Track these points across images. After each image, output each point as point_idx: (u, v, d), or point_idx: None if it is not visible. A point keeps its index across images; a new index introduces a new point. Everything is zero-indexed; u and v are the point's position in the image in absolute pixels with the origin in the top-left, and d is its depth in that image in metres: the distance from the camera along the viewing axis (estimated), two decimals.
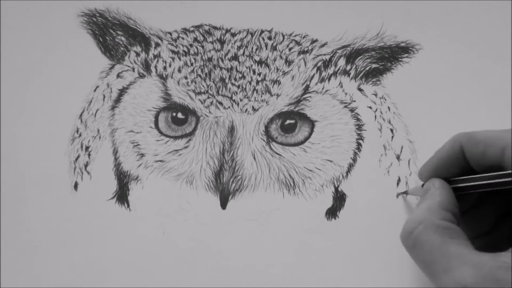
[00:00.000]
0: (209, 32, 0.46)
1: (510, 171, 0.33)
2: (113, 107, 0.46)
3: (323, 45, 0.46)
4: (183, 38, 0.46)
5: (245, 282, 0.43)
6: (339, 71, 0.45)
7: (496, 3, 0.46)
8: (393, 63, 0.46)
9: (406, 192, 0.43)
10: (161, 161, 0.45)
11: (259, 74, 0.45)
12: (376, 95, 0.45)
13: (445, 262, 0.31)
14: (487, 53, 0.46)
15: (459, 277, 0.30)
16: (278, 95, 0.44)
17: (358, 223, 0.44)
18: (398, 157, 0.45)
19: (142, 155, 0.45)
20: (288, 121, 0.45)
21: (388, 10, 0.46)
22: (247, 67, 0.45)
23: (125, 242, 0.44)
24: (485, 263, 0.29)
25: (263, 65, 0.45)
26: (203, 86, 0.45)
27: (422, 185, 0.39)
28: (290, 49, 0.45)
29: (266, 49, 0.45)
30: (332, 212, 0.44)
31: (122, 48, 0.46)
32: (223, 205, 0.44)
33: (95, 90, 0.46)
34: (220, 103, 0.44)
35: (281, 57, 0.45)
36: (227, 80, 0.45)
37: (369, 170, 0.44)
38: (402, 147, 0.45)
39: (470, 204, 0.38)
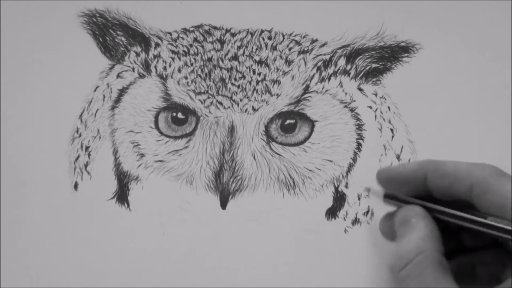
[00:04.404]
0: (209, 32, 0.46)
1: (492, 223, 0.31)
2: (113, 107, 0.46)
3: (323, 45, 0.46)
4: (183, 38, 0.46)
5: (246, 282, 0.43)
6: (339, 71, 0.45)
7: (496, 3, 0.46)
8: (393, 62, 0.46)
9: (368, 190, 0.41)
10: (161, 161, 0.45)
11: (259, 74, 0.45)
12: (376, 94, 0.45)
13: None
14: (487, 53, 0.46)
15: None
16: (278, 95, 0.44)
17: (358, 223, 0.44)
18: (398, 157, 0.45)
19: (142, 155, 0.45)
20: (288, 121, 0.44)
21: (388, 9, 0.46)
22: (247, 67, 0.45)
23: (125, 242, 0.44)
24: None
25: (263, 65, 0.45)
26: (203, 86, 0.45)
27: (386, 195, 0.38)
28: (290, 49, 0.45)
29: (266, 49, 0.45)
30: (332, 212, 0.44)
31: (122, 48, 0.46)
32: (223, 205, 0.44)
33: (95, 90, 0.46)
34: (220, 103, 0.44)
35: (281, 57, 0.45)
36: (227, 80, 0.45)
37: (369, 170, 0.44)
38: (402, 147, 0.45)
39: None
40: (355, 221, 0.44)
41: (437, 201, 0.35)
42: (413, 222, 0.34)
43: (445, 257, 0.33)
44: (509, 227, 0.30)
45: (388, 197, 0.38)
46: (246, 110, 0.44)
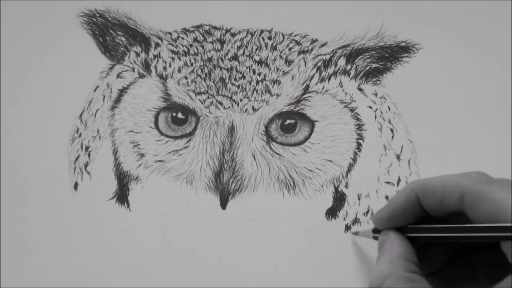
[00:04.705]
0: (209, 32, 0.46)
1: (466, 225, 0.31)
2: (113, 107, 0.46)
3: (323, 45, 0.46)
4: (183, 38, 0.46)
5: (246, 282, 0.43)
6: (339, 71, 0.45)
7: (496, 3, 0.46)
8: (393, 62, 0.46)
9: (357, 233, 0.42)
10: (161, 161, 0.45)
11: (259, 74, 0.45)
12: (376, 94, 0.45)
13: None
14: (487, 53, 0.46)
15: None
16: (278, 95, 0.44)
17: (358, 223, 0.44)
18: (398, 157, 0.44)
19: (142, 155, 0.45)
20: (288, 121, 0.44)
21: (388, 9, 0.46)
22: (247, 67, 0.45)
23: (125, 242, 0.44)
24: None
25: (263, 65, 0.45)
26: (203, 86, 0.45)
27: (374, 230, 0.38)
28: (290, 49, 0.45)
29: (266, 49, 0.45)
30: (332, 212, 0.44)
31: (122, 48, 0.46)
32: (223, 205, 0.44)
33: (95, 90, 0.46)
34: (220, 103, 0.44)
35: (281, 57, 0.45)
36: (227, 80, 0.45)
37: (369, 170, 0.44)
38: (402, 147, 0.45)
39: (423, 244, 0.37)
40: (355, 221, 0.44)
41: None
42: (385, 246, 0.35)
43: (442, 263, 0.35)
44: (499, 224, 0.30)
45: (377, 231, 0.38)
46: (246, 110, 0.44)
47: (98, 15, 0.47)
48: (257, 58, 0.45)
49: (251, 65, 0.45)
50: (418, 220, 0.35)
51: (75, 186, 0.45)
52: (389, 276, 0.32)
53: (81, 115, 0.46)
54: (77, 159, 0.45)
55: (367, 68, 0.45)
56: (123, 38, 0.46)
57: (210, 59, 0.45)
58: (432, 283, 0.32)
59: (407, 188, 0.35)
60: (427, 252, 0.37)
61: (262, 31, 0.46)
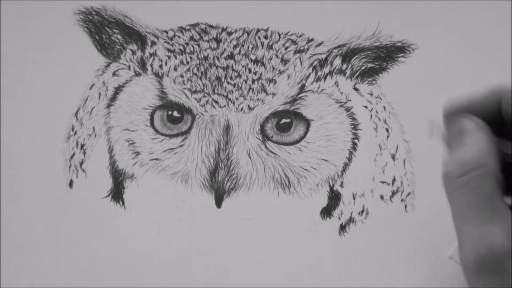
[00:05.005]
0: (205, 30, 0.46)
1: None
2: (108, 105, 0.46)
3: (319, 44, 0.46)
4: (179, 37, 0.46)
5: (240, 280, 0.43)
6: (335, 70, 0.45)
7: (496, 3, 0.46)
8: (389, 62, 0.46)
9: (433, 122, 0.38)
10: (156, 159, 0.45)
11: (255, 73, 0.45)
12: (371, 94, 0.45)
13: (488, 214, 0.28)
14: (486, 53, 0.46)
15: (497, 231, 0.28)
16: (273, 94, 0.44)
17: (353, 222, 0.44)
18: (393, 157, 0.45)
19: (138, 153, 0.45)
20: (283, 120, 0.45)
21: (384, 9, 0.46)
22: (243, 66, 0.45)
23: (120, 240, 0.44)
24: None
25: (259, 64, 0.45)
26: (199, 84, 0.45)
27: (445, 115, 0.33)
28: (286, 48, 0.45)
29: (262, 48, 0.45)
30: (327, 211, 0.44)
31: (118, 46, 0.46)
32: (218, 203, 0.44)
33: (90, 88, 0.46)
34: (216, 102, 0.44)
35: (277, 56, 0.45)
36: (223, 79, 0.45)
37: (364, 169, 0.44)
38: (397, 147, 0.45)
39: None
40: (350, 220, 0.44)
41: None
42: (473, 133, 0.31)
43: None
44: None
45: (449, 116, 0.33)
46: (242, 109, 0.44)
47: (94, 13, 0.47)
48: (253, 57, 0.45)
49: (247, 64, 0.45)
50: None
51: (70, 184, 0.45)
52: (483, 167, 0.29)
53: (76, 113, 0.46)
54: (72, 156, 0.45)
55: (363, 67, 0.45)
56: (119, 36, 0.46)
57: (206, 58, 0.45)
58: None
59: (489, 89, 0.32)
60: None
61: (258, 30, 0.46)
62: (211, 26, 0.46)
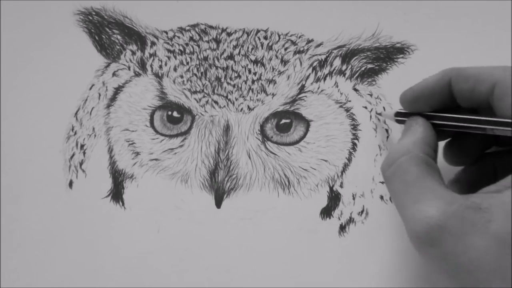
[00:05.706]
0: (205, 31, 0.46)
1: (492, 118, 0.32)
2: (108, 106, 0.46)
3: (318, 45, 0.46)
4: (179, 37, 0.46)
5: (240, 281, 0.43)
6: (334, 71, 0.45)
7: (496, 3, 0.46)
8: (388, 63, 0.46)
9: (380, 114, 0.44)
10: (156, 159, 0.45)
11: (255, 74, 0.45)
12: (371, 95, 0.45)
13: (417, 194, 0.31)
14: (486, 53, 0.46)
15: (427, 209, 0.30)
16: (273, 95, 0.44)
17: (353, 223, 0.44)
18: None
19: (137, 153, 0.45)
20: (283, 121, 0.45)
21: (384, 10, 0.46)
22: (242, 67, 0.45)
23: (119, 240, 0.44)
24: (456, 201, 0.30)
25: (259, 64, 0.45)
26: (198, 85, 0.45)
27: (396, 114, 0.39)
28: (285, 49, 0.45)
29: (262, 48, 0.45)
30: (326, 212, 0.44)
31: (118, 47, 0.46)
32: (218, 204, 0.44)
33: (90, 89, 0.46)
34: (216, 102, 0.44)
35: (276, 56, 0.45)
36: (222, 79, 0.45)
37: (364, 170, 0.44)
38: None
39: (450, 135, 0.38)
40: (350, 220, 0.44)
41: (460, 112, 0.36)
42: (411, 129, 0.36)
43: (466, 163, 0.36)
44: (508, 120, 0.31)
45: (400, 115, 0.39)
46: (242, 109, 0.44)
47: (94, 13, 0.47)
48: (252, 58, 0.45)
49: (247, 65, 0.45)
50: (442, 107, 0.36)
51: (70, 184, 0.45)
52: (406, 154, 0.33)
53: (76, 113, 0.46)
54: (72, 157, 0.45)
55: (363, 68, 0.46)
56: (119, 37, 0.46)
57: (206, 58, 0.45)
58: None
59: (441, 72, 0.36)
60: (452, 146, 0.38)
61: (258, 31, 0.46)
62: (211, 27, 0.46)
